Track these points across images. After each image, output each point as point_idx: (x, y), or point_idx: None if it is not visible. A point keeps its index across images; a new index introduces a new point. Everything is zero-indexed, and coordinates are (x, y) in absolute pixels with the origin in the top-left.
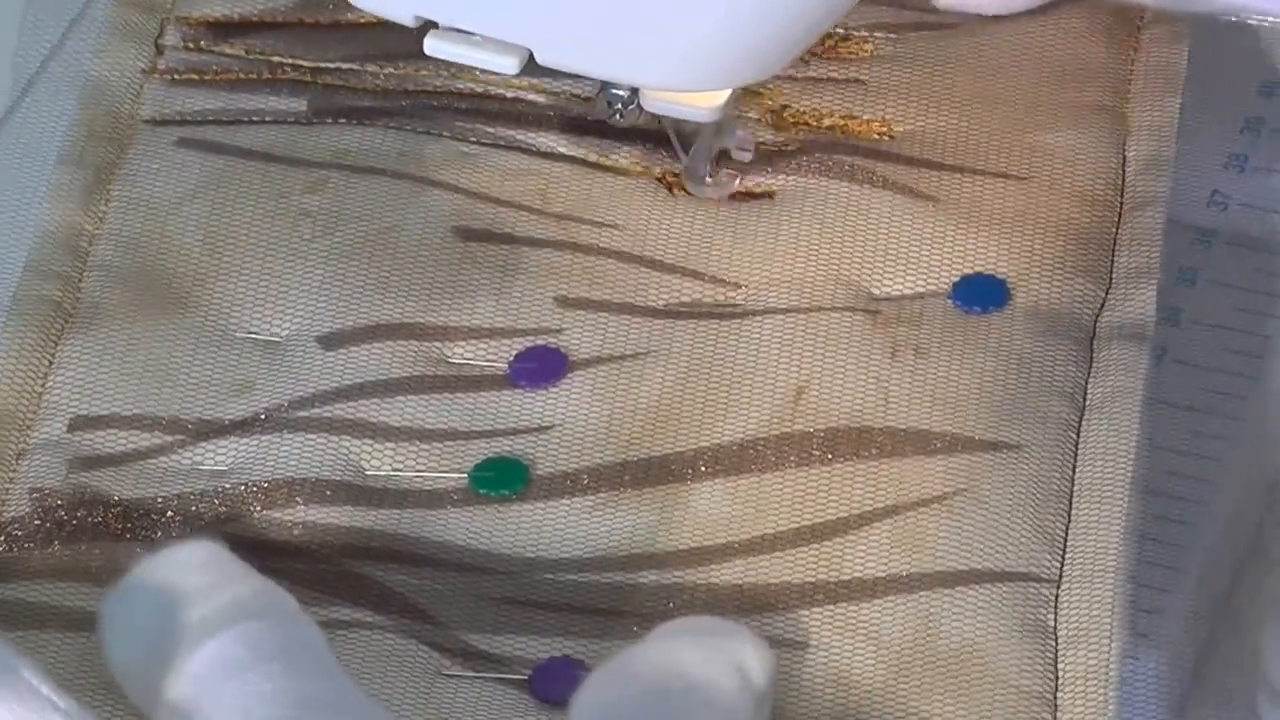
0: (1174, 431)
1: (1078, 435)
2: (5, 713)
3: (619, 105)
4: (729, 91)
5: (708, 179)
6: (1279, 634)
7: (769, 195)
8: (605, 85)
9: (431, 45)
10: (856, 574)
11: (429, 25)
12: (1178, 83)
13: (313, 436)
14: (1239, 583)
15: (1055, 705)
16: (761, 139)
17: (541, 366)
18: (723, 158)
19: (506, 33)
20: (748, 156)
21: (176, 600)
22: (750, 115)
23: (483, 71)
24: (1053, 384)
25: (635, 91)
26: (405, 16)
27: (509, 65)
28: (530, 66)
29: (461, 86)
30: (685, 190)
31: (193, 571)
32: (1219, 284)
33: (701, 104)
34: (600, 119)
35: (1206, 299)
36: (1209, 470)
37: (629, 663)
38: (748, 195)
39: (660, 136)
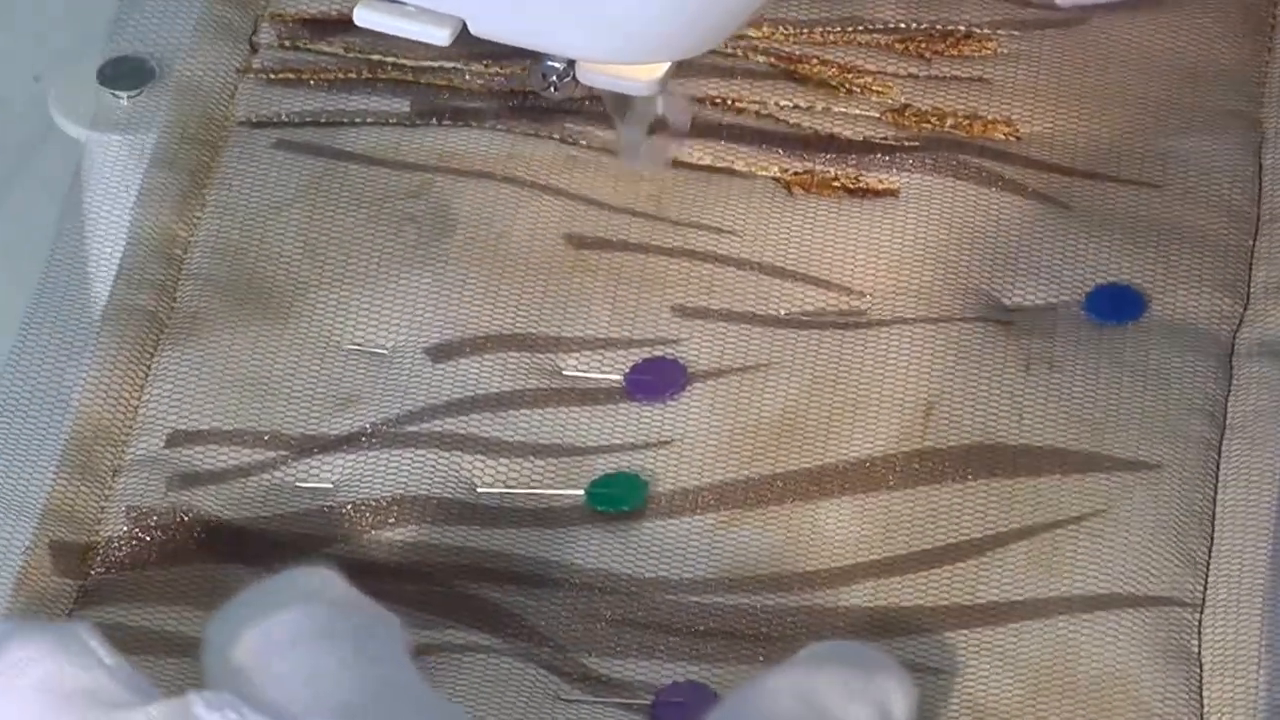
0: None
1: (1219, 455)
2: (55, 664)
3: (554, 78)
4: (667, 64)
5: (641, 150)
6: None
7: (891, 193)
8: (540, 57)
9: (361, 16)
10: (992, 597)
11: None
12: None
13: (422, 452)
14: None
15: None
16: (882, 134)
17: (659, 379)
18: (660, 128)
19: (439, 2)
20: (685, 125)
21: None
22: (871, 114)
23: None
24: (1192, 401)
25: (571, 64)
26: None
27: (441, 36)
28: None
29: None
30: (804, 189)
31: (298, 593)
32: None
33: (639, 76)
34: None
35: None
36: None
37: (765, 691)
38: (868, 191)
39: (775, 135)
